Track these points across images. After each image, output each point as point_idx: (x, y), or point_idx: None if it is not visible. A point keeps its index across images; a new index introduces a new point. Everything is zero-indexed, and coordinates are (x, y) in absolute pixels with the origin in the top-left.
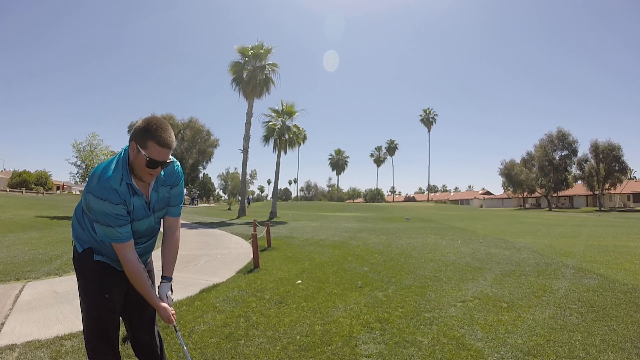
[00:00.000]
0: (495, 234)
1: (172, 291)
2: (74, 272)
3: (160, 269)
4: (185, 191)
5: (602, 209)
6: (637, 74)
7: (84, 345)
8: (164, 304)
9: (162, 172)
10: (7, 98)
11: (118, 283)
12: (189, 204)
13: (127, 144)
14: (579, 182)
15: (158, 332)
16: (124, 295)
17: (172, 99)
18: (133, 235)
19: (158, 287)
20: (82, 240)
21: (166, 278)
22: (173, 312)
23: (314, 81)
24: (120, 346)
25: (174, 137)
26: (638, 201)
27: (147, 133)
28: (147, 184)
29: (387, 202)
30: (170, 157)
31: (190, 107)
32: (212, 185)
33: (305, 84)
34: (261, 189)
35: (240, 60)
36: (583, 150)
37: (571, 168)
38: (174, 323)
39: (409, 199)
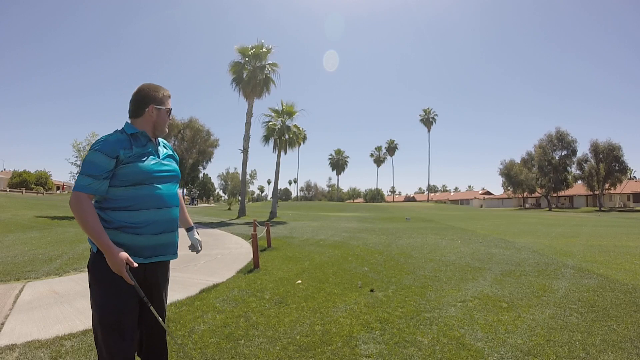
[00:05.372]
0: (495, 234)
1: (198, 233)
2: (74, 272)
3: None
4: (185, 191)
5: (602, 209)
6: (637, 74)
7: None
8: (119, 252)
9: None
10: (7, 97)
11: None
12: (189, 204)
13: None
14: (579, 182)
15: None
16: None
17: (172, 99)
18: (147, 174)
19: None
20: None
21: (190, 228)
22: (127, 257)
23: (314, 81)
24: None
25: None
26: (638, 201)
27: (157, 92)
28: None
29: (387, 202)
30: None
31: (190, 107)
32: (212, 185)
33: (305, 84)
34: (261, 189)
35: (240, 60)
36: (583, 150)
37: (571, 168)
38: (126, 275)
39: (409, 199)
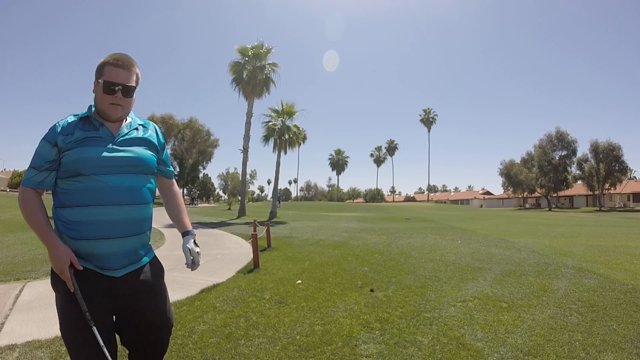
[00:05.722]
0: (495, 234)
1: (196, 244)
2: None
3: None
4: (185, 191)
5: (602, 209)
6: (637, 74)
7: None
8: (63, 248)
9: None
10: (7, 97)
11: (102, 297)
12: (189, 204)
13: None
14: (579, 182)
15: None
16: (112, 313)
17: (172, 99)
18: (87, 164)
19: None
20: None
21: (186, 232)
22: (72, 256)
23: (314, 81)
24: None
25: (133, 61)
26: (638, 201)
27: (102, 62)
28: (117, 125)
29: (387, 202)
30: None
31: (190, 107)
32: (212, 185)
33: (305, 84)
34: (261, 189)
35: (240, 60)
36: (583, 150)
37: (571, 168)
38: (67, 276)
39: (409, 199)
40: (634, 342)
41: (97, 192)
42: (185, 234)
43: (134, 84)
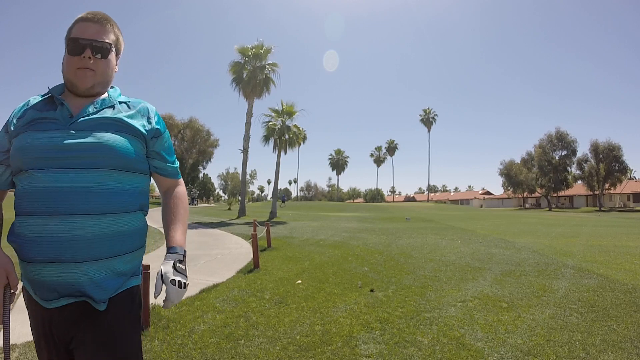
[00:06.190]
0: (495, 234)
1: (177, 270)
2: None
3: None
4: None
5: (602, 209)
6: (637, 74)
7: None
8: (3, 261)
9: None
10: (7, 97)
11: (45, 331)
12: (189, 204)
13: None
14: (579, 182)
15: None
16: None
17: (172, 99)
18: (26, 155)
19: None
20: None
21: (170, 249)
22: (9, 272)
23: (314, 81)
24: None
25: (109, 18)
26: (638, 201)
27: (72, 23)
28: (85, 102)
29: (387, 202)
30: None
31: (190, 107)
32: (212, 185)
33: (305, 84)
34: (261, 189)
35: (240, 60)
36: (583, 150)
37: (571, 168)
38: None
39: (409, 199)
40: (634, 342)
41: (34, 194)
42: (168, 250)
43: (108, 41)
